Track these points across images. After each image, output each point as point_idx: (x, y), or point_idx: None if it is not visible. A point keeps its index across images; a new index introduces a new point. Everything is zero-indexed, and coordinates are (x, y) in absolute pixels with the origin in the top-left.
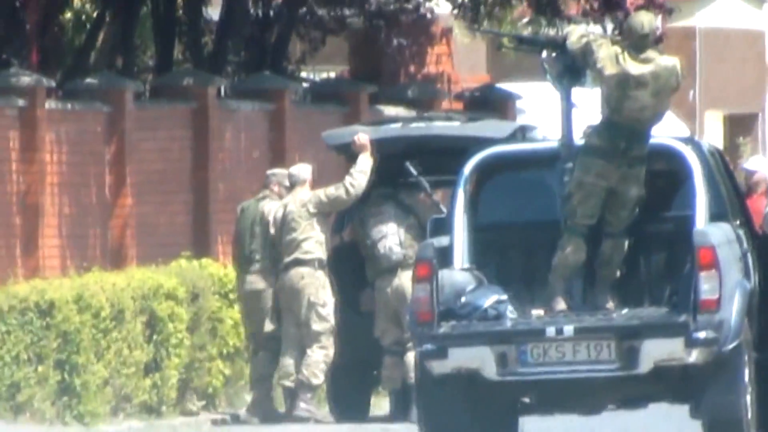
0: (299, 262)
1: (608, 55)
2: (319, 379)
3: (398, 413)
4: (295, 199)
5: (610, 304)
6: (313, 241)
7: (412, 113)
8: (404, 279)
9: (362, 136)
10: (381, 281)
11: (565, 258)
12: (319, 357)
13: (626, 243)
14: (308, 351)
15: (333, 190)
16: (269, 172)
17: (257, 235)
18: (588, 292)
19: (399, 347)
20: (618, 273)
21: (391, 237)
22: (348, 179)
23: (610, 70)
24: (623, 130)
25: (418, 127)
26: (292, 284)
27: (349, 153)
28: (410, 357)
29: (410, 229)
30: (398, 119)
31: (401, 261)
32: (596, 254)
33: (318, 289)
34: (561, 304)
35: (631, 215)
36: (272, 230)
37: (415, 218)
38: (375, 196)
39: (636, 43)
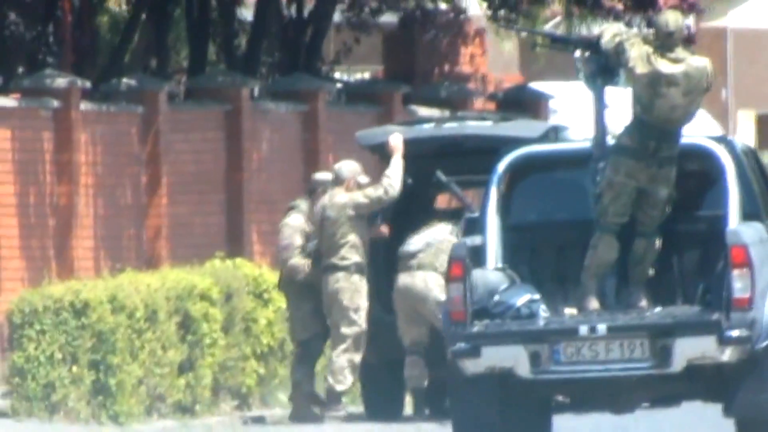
0: (336, 268)
1: (640, 55)
2: (344, 384)
3: (420, 412)
4: (333, 202)
5: (644, 303)
6: (350, 246)
7: (446, 113)
8: (417, 279)
9: (396, 137)
10: (396, 282)
11: (597, 256)
12: (344, 362)
13: (658, 242)
14: (333, 356)
15: (372, 192)
16: (316, 177)
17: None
18: (621, 291)
19: (417, 347)
20: (651, 272)
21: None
22: (386, 181)
23: (641, 69)
24: (654, 129)
25: (451, 128)
26: (329, 288)
27: (383, 153)
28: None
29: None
30: (431, 119)
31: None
32: (629, 253)
33: (353, 294)
34: (594, 304)
35: (662, 215)
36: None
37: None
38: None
39: (662, 41)
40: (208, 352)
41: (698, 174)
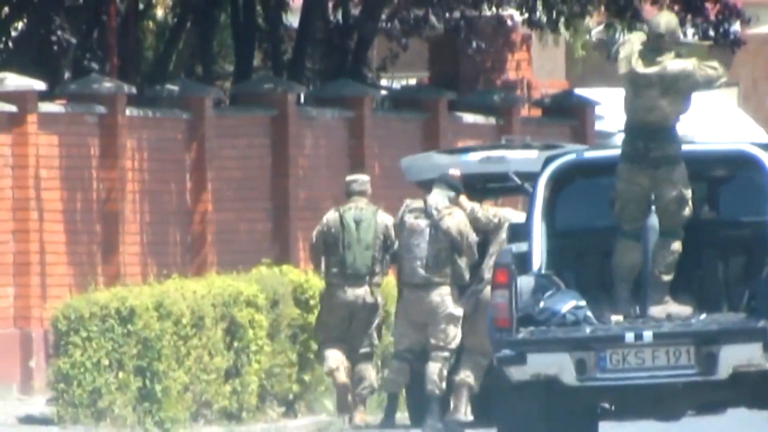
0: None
1: (625, 56)
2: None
3: (389, 419)
4: (455, 221)
5: (665, 303)
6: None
7: (490, 120)
8: (434, 296)
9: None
10: (410, 293)
11: (617, 261)
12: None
13: (677, 243)
14: (439, 363)
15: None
16: (357, 178)
17: (375, 247)
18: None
19: (409, 354)
20: (672, 273)
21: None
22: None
23: (622, 69)
24: (639, 131)
25: (497, 162)
26: (433, 300)
27: (429, 187)
28: (431, 368)
29: (441, 252)
30: (476, 148)
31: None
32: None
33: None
34: (620, 312)
35: (676, 216)
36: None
37: (449, 242)
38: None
39: (652, 42)
40: (254, 359)
41: (742, 180)
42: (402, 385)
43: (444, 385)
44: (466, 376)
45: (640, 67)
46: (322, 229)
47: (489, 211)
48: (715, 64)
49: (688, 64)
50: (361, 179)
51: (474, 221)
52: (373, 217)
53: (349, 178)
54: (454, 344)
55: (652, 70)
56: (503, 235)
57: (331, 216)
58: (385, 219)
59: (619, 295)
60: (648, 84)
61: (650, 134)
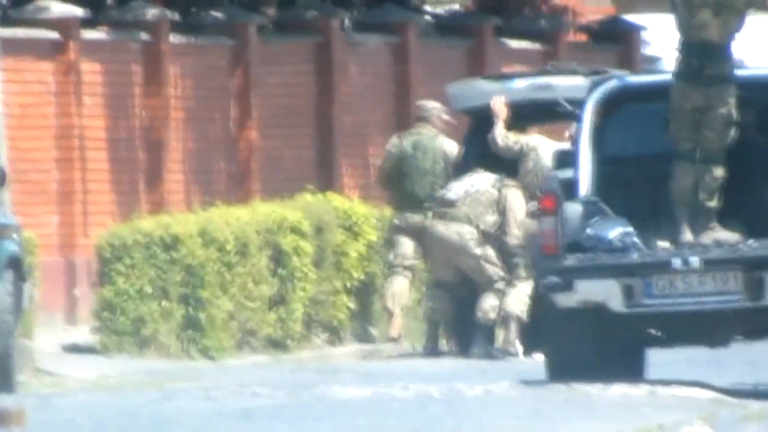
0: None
1: None
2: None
3: (432, 346)
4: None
5: (714, 225)
6: None
7: (536, 46)
8: (452, 231)
9: (498, 103)
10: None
11: (674, 184)
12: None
13: (720, 169)
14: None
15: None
16: (421, 104)
17: (441, 175)
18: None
19: (442, 284)
20: (715, 199)
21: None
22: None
23: None
24: (694, 48)
25: (544, 89)
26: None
27: (477, 115)
28: (482, 298)
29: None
30: (522, 74)
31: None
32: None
33: None
34: (687, 235)
35: (720, 137)
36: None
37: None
38: None
39: None
40: (299, 286)
41: None
42: (443, 313)
43: (493, 315)
44: (513, 307)
45: None
46: (385, 156)
47: (509, 138)
48: None
49: None
50: (425, 105)
51: (507, 151)
52: (432, 143)
53: (417, 103)
54: (502, 275)
55: None
56: (530, 164)
57: (393, 141)
58: (446, 145)
59: (678, 219)
60: (702, 2)
61: (707, 52)
